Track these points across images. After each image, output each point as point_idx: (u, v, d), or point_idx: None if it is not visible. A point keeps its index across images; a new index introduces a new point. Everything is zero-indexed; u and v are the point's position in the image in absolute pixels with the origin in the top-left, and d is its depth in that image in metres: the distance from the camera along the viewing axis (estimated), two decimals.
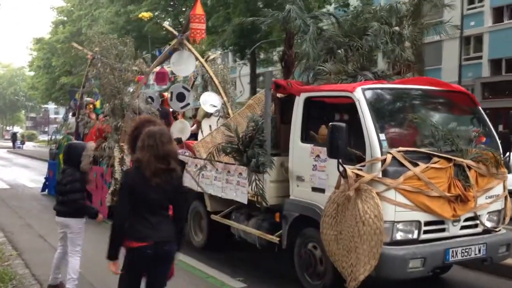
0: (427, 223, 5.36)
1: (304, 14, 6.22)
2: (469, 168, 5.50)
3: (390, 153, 5.23)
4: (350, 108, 5.83)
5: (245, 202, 6.87)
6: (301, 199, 6.13)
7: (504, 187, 5.92)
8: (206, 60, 11.01)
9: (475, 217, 5.67)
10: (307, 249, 6.11)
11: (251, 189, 6.51)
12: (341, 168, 5.24)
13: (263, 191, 6.40)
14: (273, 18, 6.54)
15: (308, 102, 6.18)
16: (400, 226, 5.26)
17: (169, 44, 11.07)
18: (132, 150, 4.45)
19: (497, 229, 5.85)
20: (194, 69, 10.88)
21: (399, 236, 5.27)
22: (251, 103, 7.87)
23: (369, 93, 5.53)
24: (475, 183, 5.52)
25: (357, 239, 5.20)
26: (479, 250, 5.57)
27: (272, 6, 27.21)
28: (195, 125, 11.25)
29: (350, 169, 5.24)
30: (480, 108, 6.21)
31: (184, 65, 10.49)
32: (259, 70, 34.50)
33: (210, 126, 10.68)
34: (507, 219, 5.92)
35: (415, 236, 5.34)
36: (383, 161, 5.20)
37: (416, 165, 5.26)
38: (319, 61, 6.31)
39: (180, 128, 10.38)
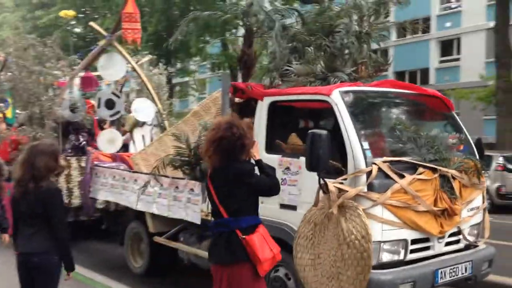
0: (413, 241, 4.81)
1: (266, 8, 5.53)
2: (453, 178, 5.03)
3: (376, 164, 4.63)
4: (324, 113, 5.19)
5: (198, 222, 6.02)
6: (266, 218, 5.38)
7: (483, 198, 5.52)
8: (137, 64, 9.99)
9: (458, 232, 5.21)
10: (274, 275, 5.37)
11: (206, 207, 5.69)
12: (322, 182, 4.57)
13: None
14: (231, 13, 5.79)
15: (273, 107, 5.47)
16: (386, 246, 4.66)
17: (97, 45, 9.97)
18: None
19: (478, 244, 5.43)
20: (125, 73, 9.84)
21: (385, 257, 4.66)
22: (198, 109, 7.05)
23: (347, 97, 4.91)
24: (459, 195, 5.06)
25: (340, 263, 4.54)
26: (466, 269, 5.09)
27: (187, 14, 26.58)
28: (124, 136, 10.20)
29: (331, 183, 4.59)
30: (454, 113, 5.80)
31: (113, 69, 9.44)
32: (175, 80, 33.66)
33: (143, 136, 9.71)
34: (487, 233, 5.52)
35: (402, 256, 4.76)
36: (368, 173, 4.59)
37: (402, 176, 4.70)
38: (282, 62, 5.61)
39: (110, 139, 9.30)
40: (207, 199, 5.54)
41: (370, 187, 4.58)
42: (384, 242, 4.61)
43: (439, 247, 5.01)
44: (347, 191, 4.55)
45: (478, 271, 5.26)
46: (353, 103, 4.94)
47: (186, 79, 35.03)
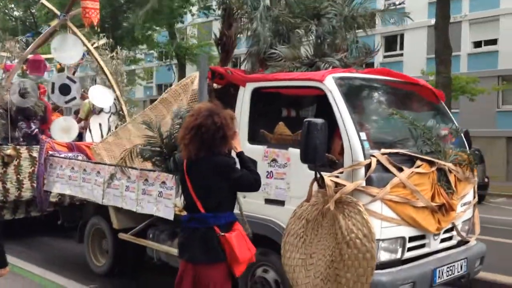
0: (411, 239, 4.51)
1: None
2: (450, 172, 4.76)
3: (374, 156, 4.28)
4: (315, 101, 4.81)
5: (171, 217, 5.51)
6: (249, 214, 4.96)
7: (474, 193, 5.30)
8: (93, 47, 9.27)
9: (451, 228, 4.96)
10: (257, 276, 4.96)
11: (181, 202, 5.20)
12: (318, 176, 4.18)
13: None
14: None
15: (256, 94, 5.03)
16: (385, 244, 4.33)
17: (49, 26, 9.19)
18: None
19: (469, 240, 5.21)
20: (81, 56, 9.12)
21: (383, 257, 4.33)
22: (166, 96, 6.50)
23: (342, 83, 4.53)
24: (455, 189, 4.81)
25: (337, 264, 4.17)
26: (461, 267, 4.85)
27: (133, 1, 25.67)
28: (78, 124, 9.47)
29: (328, 177, 4.21)
30: (444, 104, 5.55)
31: (68, 51, 8.70)
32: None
33: (100, 125, 9.04)
34: (478, 229, 5.30)
35: (399, 255, 4.45)
36: (367, 166, 4.24)
37: (400, 170, 4.38)
38: (265, 45, 5.18)
39: (65, 127, 8.58)
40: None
41: (369, 181, 4.23)
42: (383, 240, 4.28)
43: (434, 244, 4.74)
44: (345, 186, 4.19)
45: (472, 268, 5.04)
46: (348, 90, 4.58)
47: (133, 67, 34.02)
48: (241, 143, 5.00)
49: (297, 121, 4.98)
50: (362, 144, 4.28)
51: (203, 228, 3.54)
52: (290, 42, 5.10)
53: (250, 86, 5.04)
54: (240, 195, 5.03)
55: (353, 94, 4.64)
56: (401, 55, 30.05)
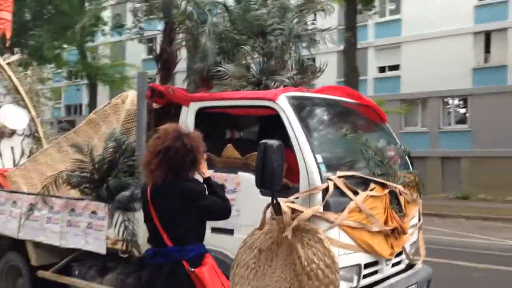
0: (366, 266, 4.33)
1: None
2: (400, 194, 4.66)
3: (331, 179, 4.07)
4: (265, 121, 4.55)
5: (103, 251, 4.99)
6: None
7: (420, 215, 5.24)
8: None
9: (401, 252, 4.84)
10: None
11: (117, 234, 4.71)
12: (274, 202, 3.89)
13: (136, 236, 4.66)
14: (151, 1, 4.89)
15: (201, 114, 4.69)
16: (342, 273, 4.09)
17: None
18: None
19: (417, 264, 5.12)
20: None
21: (340, 286, 4.10)
22: (94, 117, 5.97)
23: (295, 103, 4.31)
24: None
25: None
26: None
27: (41, 19, 24.47)
28: None
29: (284, 203, 3.93)
30: (388, 125, 5.49)
31: None
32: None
33: (12, 148, 8.20)
34: (423, 251, 5.23)
35: (355, 283, 4.25)
36: (324, 190, 4.02)
37: (356, 193, 4.21)
38: (211, 62, 4.86)
39: None
40: (121, 224, 4.63)
41: (326, 206, 4.01)
42: (341, 269, 4.05)
43: (387, 269, 4.60)
44: (302, 212, 3.93)
45: None
46: (301, 110, 4.36)
47: (40, 86, 32.30)
48: None
49: (246, 143, 4.70)
50: (319, 167, 4.06)
51: (170, 264, 3.17)
52: (235, 59, 4.81)
53: (194, 106, 4.69)
54: None
55: (306, 114, 4.43)
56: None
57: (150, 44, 36.35)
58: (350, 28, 16.84)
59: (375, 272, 4.49)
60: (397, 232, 4.48)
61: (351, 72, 16.58)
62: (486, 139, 24.37)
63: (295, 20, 5.56)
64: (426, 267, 5.22)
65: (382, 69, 28.94)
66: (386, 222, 4.38)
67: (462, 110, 26.94)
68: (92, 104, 27.76)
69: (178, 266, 3.18)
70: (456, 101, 26.98)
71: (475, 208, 19.51)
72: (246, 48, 4.73)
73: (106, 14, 28.59)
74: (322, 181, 4.03)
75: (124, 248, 4.71)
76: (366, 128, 5.08)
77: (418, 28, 26.55)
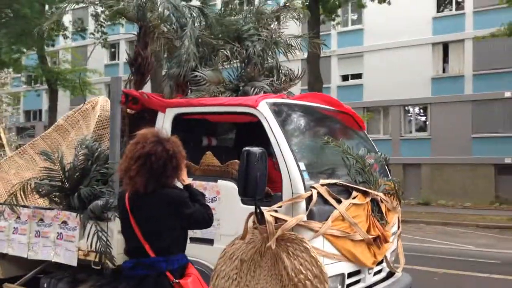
0: (349, 275, 4.26)
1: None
2: (381, 201, 4.62)
3: (314, 187, 3.99)
4: (243, 128, 4.45)
5: (74, 263, 4.76)
6: None
7: (399, 222, 5.22)
8: None
9: (382, 260, 4.80)
10: None
11: (90, 245, 4.50)
12: (258, 211, 3.78)
13: (110, 247, 4.47)
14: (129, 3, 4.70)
15: (178, 121, 4.54)
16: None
17: None
18: None
19: (397, 271, 5.09)
20: None
21: None
22: (62, 123, 5.73)
23: (276, 109, 4.22)
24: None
25: None
26: None
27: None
28: None
29: (267, 212, 3.82)
30: (366, 132, 5.47)
31: None
32: None
33: None
34: (402, 259, 5.21)
35: None
36: (307, 198, 3.93)
37: (339, 201, 4.14)
38: (183, 68, 4.72)
39: None
40: (94, 234, 4.43)
41: (310, 215, 3.93)
42: None
43: (369, 278, 4.54)
44: (286, 221, 3.83)
45: None
46: (282, 116, 4.28)
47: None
48: None
49: (223, 150, 4.58)
50: (302, 175, 3.98)
51: (154, 275, 3.00)
52: (211, 65, 4.68)
53: (171, 112, 4.54)
54: None
55: (288, 120, 4.35)
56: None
57: (113, 49, 35.99)
58: (313, 37, 17.09)
59: (358, 281, 4.43)
60: (379, 241, 4.43)
61: (315, 80, 16.67)
62: (445, 146, 24.95)
63: (272, 26, 5.51)
64: (406, 275, 5.19)
65: (345, 78, 29.29)
66: (368, 231, 4.34)
67: (423, 118, 27.48)
68: (53, 110, 27.09)
69: (163, 277, 3.03)
70: (417, 109, 27.51)
71: (436, 213, 19.92)
72: (225, 52, 4.60)
73: (68, 19, 27.97)
74: (306, 189, 3.94)
75: (97, 259, 4.49)
76: (346, 135, 5.04)
77: (379, 38, 27.01)
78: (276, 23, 5.65)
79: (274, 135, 4.05)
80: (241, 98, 4.36)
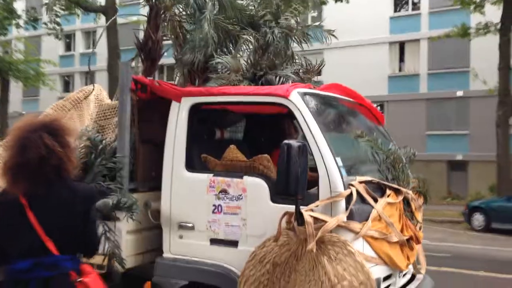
0: (384, 279, 3.96)
1: None
2: (411, 200, 4.34)
3: (353, 185, 3.67)
4: (269, 121, 4.08)
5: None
6: (190, 258, 4.00)
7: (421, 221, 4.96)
8: None
9: None
10: None
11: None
12: (298, 210, 3.43)
13: (119, 248, 4.01)
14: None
15: (196, 111, 4.11)
16: None
17: None
18: None
19: (421, 273, 4.82)
20: None
21: None
22: (64, 103, 5.16)
23: (308, 100, 3.86)
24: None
25: None
26: None
27: None
28: None
29: (305, 212, 3.47)
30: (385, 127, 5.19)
31: None
32: None
33: None
34: (423, 260, 4.94)
35: None
36: (347, 197, 3.60)
37: (376, 200, 3.83)
38: (198, 54, 4.30)
39: None
40: (101, 235, 3.96)
41: (350, 215, 3.60)
42: None
43: (399, 281, 4.26)
44: (325, 222, 3.49)
45: None
46: (315, 108, 3.91)
47: None
48: (176, 171, 4.10)
49: (249, 143, 4.19)
50: (340, 172, 3.64)
51: (58, 276, 2.67)
52: (228, 52, 4.28)
53: (187, 102, 4.10)
54: (175, 234, 4.08)
55: (320, 113, 3.99)
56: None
57: (68, 40, 34.69)
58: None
59: (388, 286, 4.13)
60: (412, 241, 4.16)
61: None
62: (401, 143, 25.24)
63: (287, 13, 5.14)
64: (428, 277, 4.93)
65: None
66: (402, 231, 4.05)
67: None
68: (4, 101, 25.92)
69: (66, 277, 2.70)
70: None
71: None
72: (249, 37, 4.19)
73: (20, 7, 26.70)
74: (344, 187, 3.61)
75: (104, 263, 4.03)
76: (371, 129, 4.72)
77: (339, 36, 27.00)
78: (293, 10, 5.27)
79: (309, 128, 3.69)
80: (270, 87, 3.98)
